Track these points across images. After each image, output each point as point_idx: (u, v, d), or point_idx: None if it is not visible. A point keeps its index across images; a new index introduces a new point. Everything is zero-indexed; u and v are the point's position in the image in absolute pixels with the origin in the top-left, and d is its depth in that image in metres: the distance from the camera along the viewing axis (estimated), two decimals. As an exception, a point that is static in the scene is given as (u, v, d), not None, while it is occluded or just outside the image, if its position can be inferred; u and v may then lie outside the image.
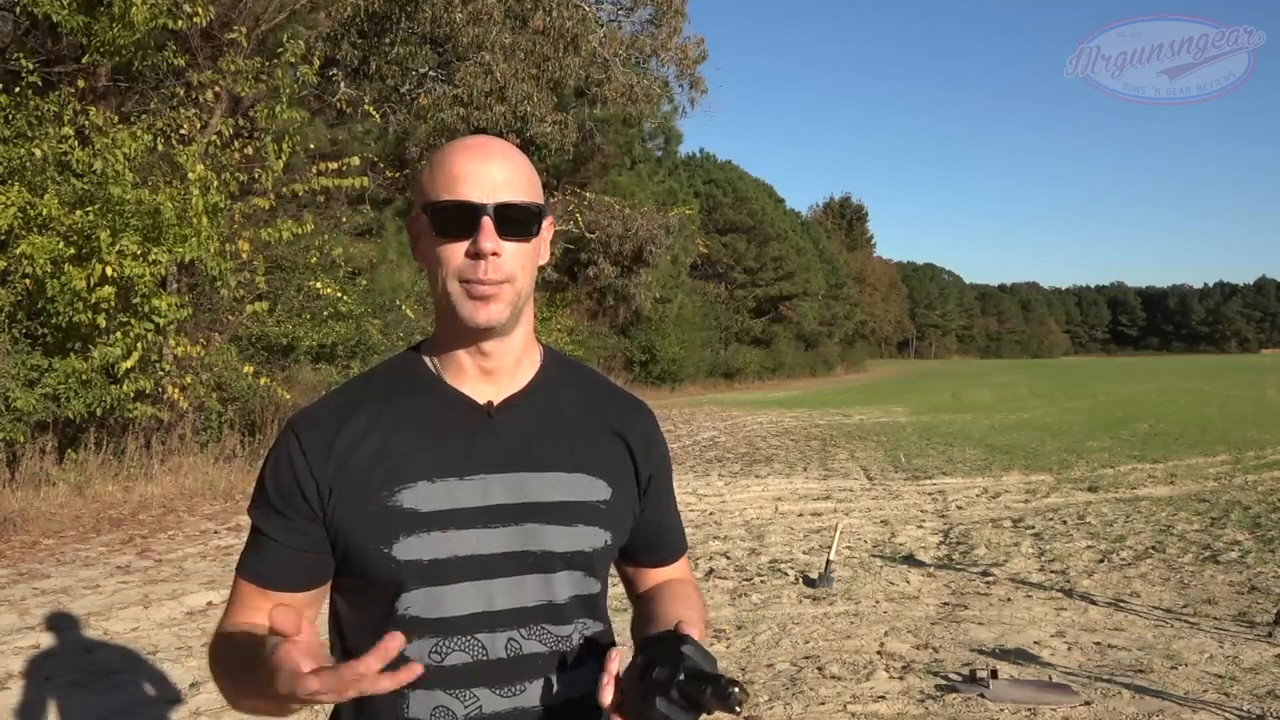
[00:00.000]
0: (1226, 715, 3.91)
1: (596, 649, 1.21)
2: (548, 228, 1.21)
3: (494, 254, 1.11)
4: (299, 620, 0.91)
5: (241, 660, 1.08)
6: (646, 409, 1.35)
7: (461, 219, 1.11)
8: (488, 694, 1.13)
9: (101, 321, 8.81)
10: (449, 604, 1.12)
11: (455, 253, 1.12)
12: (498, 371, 1.20)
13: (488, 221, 1.11)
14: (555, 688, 1.16)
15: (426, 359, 1.22)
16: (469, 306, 1.13)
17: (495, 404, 1.19)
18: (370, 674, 0.88)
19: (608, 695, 1.07)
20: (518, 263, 1.14)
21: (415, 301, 14.22)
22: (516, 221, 1.13)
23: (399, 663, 0.92)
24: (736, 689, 1.02)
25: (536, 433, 1.20)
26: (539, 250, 1.19)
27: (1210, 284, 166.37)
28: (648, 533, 1.30)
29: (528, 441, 1.19)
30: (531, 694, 1.14)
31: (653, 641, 1.11)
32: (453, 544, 1.12)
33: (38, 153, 8.75)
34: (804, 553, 7.10)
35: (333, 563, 1.17)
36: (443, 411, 1.18)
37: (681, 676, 1.03)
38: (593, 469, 1.21)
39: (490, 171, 1.12)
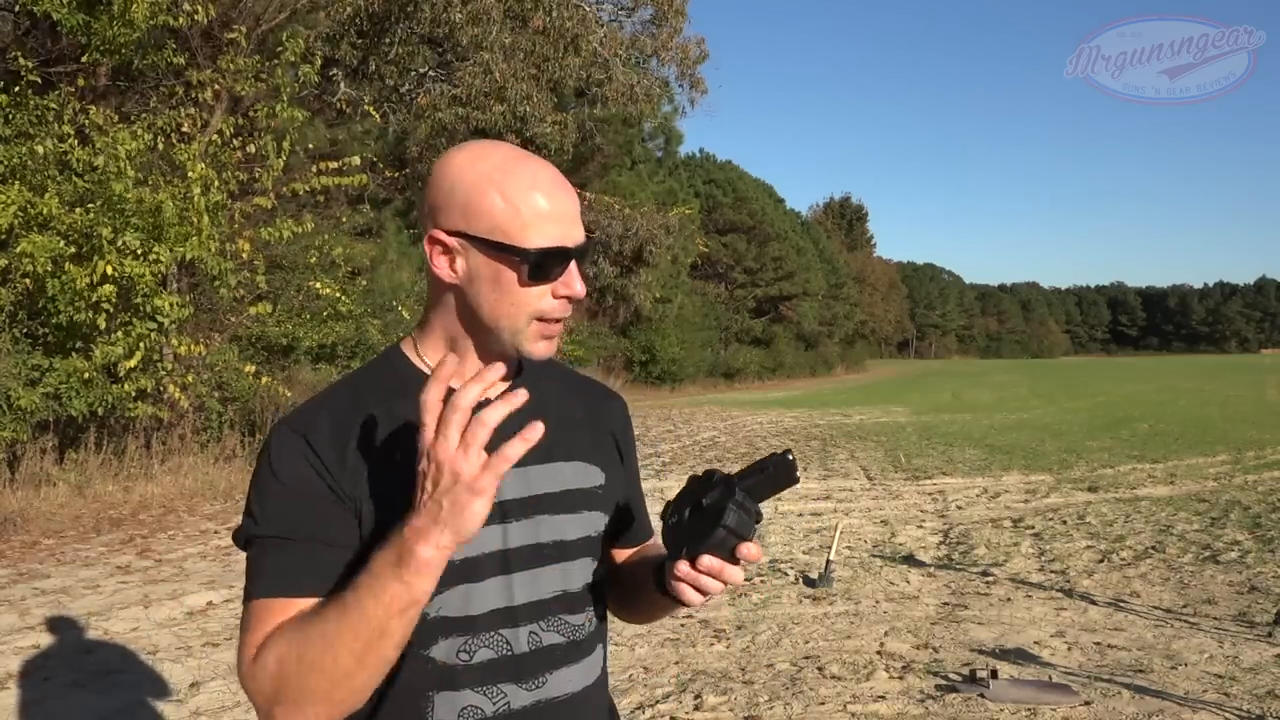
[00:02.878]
0: (1226, 715, 3.91)
1: (600, 636, 1.24)
2: None
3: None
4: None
5: (333, 612, 0.99)
6: (618, 395, 1.38)
7: (558, 264, 1.10)
8: (514, 689, 1.13)
9: (101, 322, 8.80)
10: (475, 601, 1.12)
11: (542, 294, 1.11)
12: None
13: (574, 266, 1.11)
14: (572, 677, 1.17)
15: (414, 359, 1.19)
16: (541, 346, 1.14)
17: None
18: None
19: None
20: None
21: (415, 302, 14.22)
22: (585, 256, 1.14)
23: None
24: (790, 454, 1.03)
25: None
26: None
27: (1210, 284, 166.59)
28: (629, 513, 1.33)
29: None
30: (552, 685, 1.15)
31: (686, 492, 1.09)
32: (479, 541, 1.10)
33: (39, 150, 8.74)
34: (804, 553, 7.10)
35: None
36: None
37: (737, 484, 1.03)
38: (586, 456, 1.24)
39: (570, 205, 1.11)
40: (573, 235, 1.11)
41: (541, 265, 1.09)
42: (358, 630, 0.97)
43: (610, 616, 1.33)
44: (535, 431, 0.95)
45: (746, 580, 6.28)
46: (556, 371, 1.31)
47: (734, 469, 1.09)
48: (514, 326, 1.12)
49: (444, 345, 1.18)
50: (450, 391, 0.97)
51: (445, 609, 1.11)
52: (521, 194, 1.08)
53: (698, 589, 1.07)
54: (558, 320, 1.13)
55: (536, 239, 1.08)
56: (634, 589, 1.27)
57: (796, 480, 1.04)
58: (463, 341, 1.16)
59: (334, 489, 1.08)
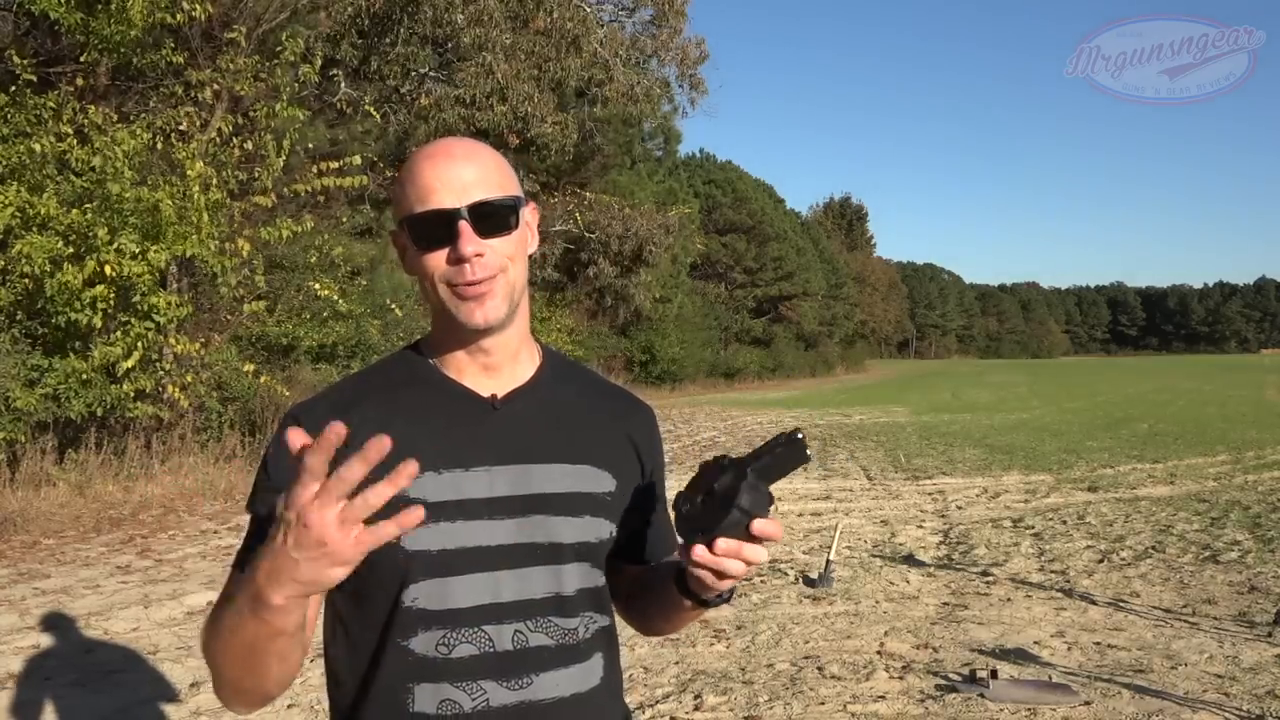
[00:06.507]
0: (1226, 715, 3.91)
1: (603, 643, 1.22)
2: (531, 214, 1.21)
3: (477, 255, 1.13)
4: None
5: (231, 604, 1.04)
6: (646, 405, 1.36)
7: (438, 227, 1.13)
8: (495, 686, 1.13)
9: (99, 322, 8.79)
10: (456, 595, 1.12)
11: (439, 261, 1.14)
12: (498, 367, 1.21)
13: (465, 225, 1.12)
14: (562, 681, 1.16)
15: (426, 356, 1.23)
16: (464, 310, 1.15)
17: (499, 396, 1.20)
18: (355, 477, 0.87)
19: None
20: (504, 254, 1.15)
21: (415, 302, 14.22)
22: (493, 217, 1.15)
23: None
24: (799, 433, 1.04)
25: (541, 425, 1.21)
26: (525, 239, 1.20)
27: (1210, 284, 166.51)
28: (644, 524, 1.30)
29: (532, 433, 1.20)
30: (539, 687, 1.14)
31: (698, 480, 1.09)
32: (460, 535, 1.13)
33: (37, 148, 8.73)
34: (804, 553, 7.10)
35: None
36: (446, 404, 1.19)
37: (749, 466, 1.04)
38: (597, 461, 1.22)
39: (458, 174, 1.13)
40: (451, 199, 1.13)
41: (417, 231, 1.14)
42: (230, 645, 1.04)
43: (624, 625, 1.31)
44: (414, 516, 0.90)
45: (746, 580, 6.28)
46: (582, 376, 1.32)
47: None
48: (437, 297, 1.16)
49: (435, 333, 1.23)
50: (341, 458, 0.90)
51: (420, 600, 1.12)
52: (411, 172, 1.16)
53: (718, 573, 1.07)
54: (469, 284, 1.14)
55: (417, 208, 1.14)
56: (654, 595, 1.26)
57: (808, 459, 1.05)
58: (440, 328, 1.21)
59: None
